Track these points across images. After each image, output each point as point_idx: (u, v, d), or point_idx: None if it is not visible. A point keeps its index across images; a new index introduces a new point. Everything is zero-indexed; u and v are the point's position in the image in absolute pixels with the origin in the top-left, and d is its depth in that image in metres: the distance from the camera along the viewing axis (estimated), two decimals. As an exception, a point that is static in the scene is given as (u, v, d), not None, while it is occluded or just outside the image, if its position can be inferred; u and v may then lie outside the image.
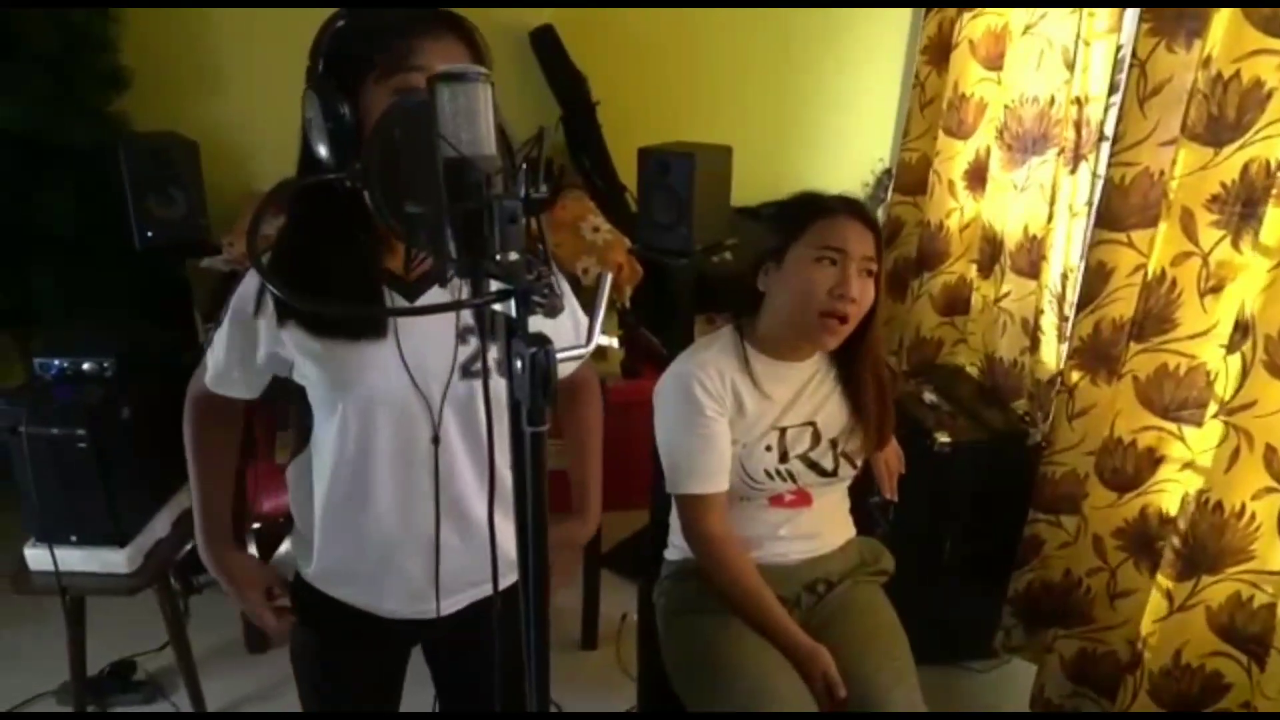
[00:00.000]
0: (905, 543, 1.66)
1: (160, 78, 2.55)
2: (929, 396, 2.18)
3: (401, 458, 1.03)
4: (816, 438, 1.44)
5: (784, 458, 1.41)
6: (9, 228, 2.33)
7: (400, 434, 1.02)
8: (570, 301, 1.16)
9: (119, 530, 1.72)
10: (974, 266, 2.31)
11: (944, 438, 2.01)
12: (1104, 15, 1.71)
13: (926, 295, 2.40)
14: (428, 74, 0.86)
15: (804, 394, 1.44)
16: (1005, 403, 2.20)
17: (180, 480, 1.91)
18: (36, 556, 1.70)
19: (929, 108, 2.35)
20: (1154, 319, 1.52)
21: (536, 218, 0.73)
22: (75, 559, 1.70)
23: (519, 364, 0.67)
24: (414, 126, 0.74)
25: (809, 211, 1.33)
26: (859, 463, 1.48)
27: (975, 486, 2.04)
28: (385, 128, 0.77)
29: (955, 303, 2.40)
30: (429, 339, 0.99)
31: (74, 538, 1.70)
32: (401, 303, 1.00)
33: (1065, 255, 1.88)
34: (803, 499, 1.45)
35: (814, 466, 1.43)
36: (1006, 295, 2.16)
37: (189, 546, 1.92)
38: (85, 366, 1.69)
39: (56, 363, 1.68)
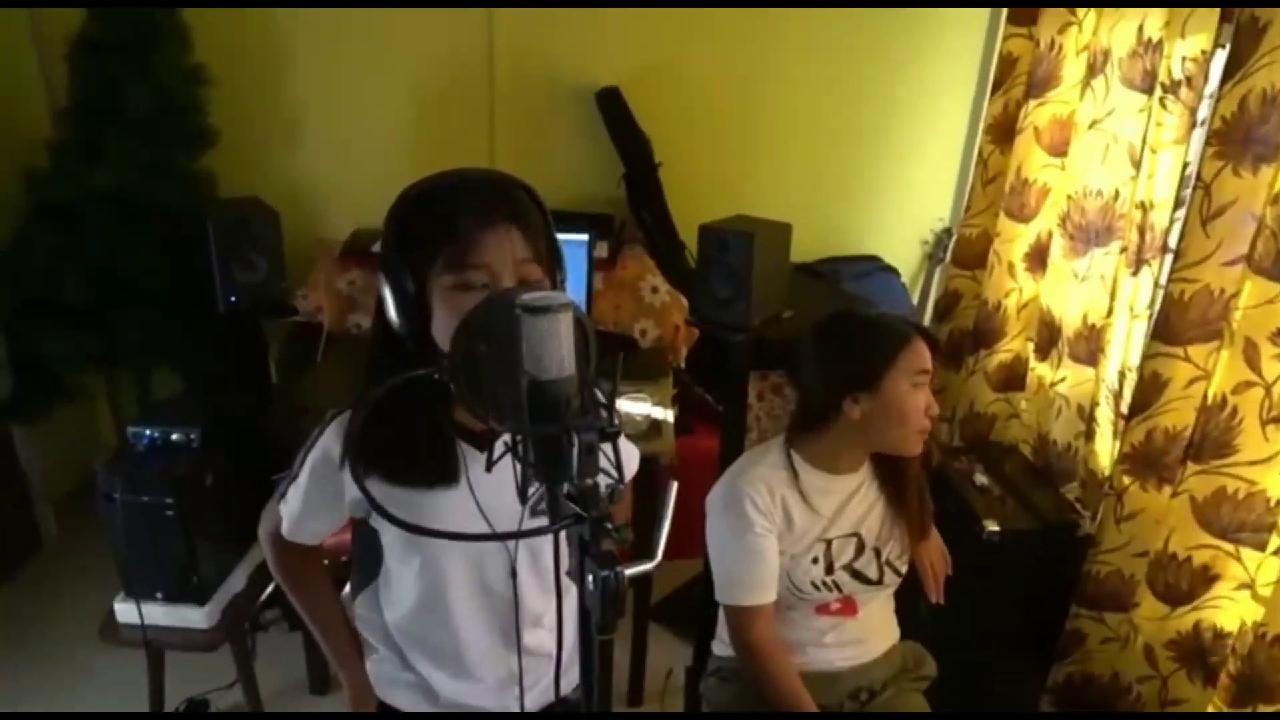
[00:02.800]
0: (948, 624, 1.68)
1: (242, 134, 2.68)
2: (980, 478, 2.19)
3: (480, 595, 1.11)
4: (861, 547, 1.47)
5: (830, 569, 1.45)
6: (103, 281, 2.48)
7: (477, 573, 1.10)
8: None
9: (200, 589, 1.83)
10: (1031, 345, 2.30)
11: (993, 526, 2.01)
12: (1171, 126, 1.70)
13: (981, 371, 2.40)
14: (486, 270, 0.96)
15: (850, 505, 1.47)
16: (1057, 485, 2.20)
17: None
18: (124, 610, 1.83)
19: (991, 185, 2.35)
20: (1213, 443, 1.52)
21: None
22: (159, 614, 1.83)
23: (590, 579, 0.73)
24: (499, 344, 0.80)
25: (895, 341, 1.37)
26: (904, 569, 1.51)
27: (1023, 575, 2.04)
28: (470, 338, 0.83)
29: (1011, 379, 2.40)
30: (500, 480, 1.02)
31: (159, 595, 1.82)
32: (473, 453, 1.07)
33: (1124, 353, 1.88)
34: (848, 607, 1.49)
35: (859, 576, 1.47)
36: (1063, 380, 2.15)
37: (264, 596, 2.05)
38: (174, 437, 1.80)
39: (147, 433, 1.80)
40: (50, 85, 2.63)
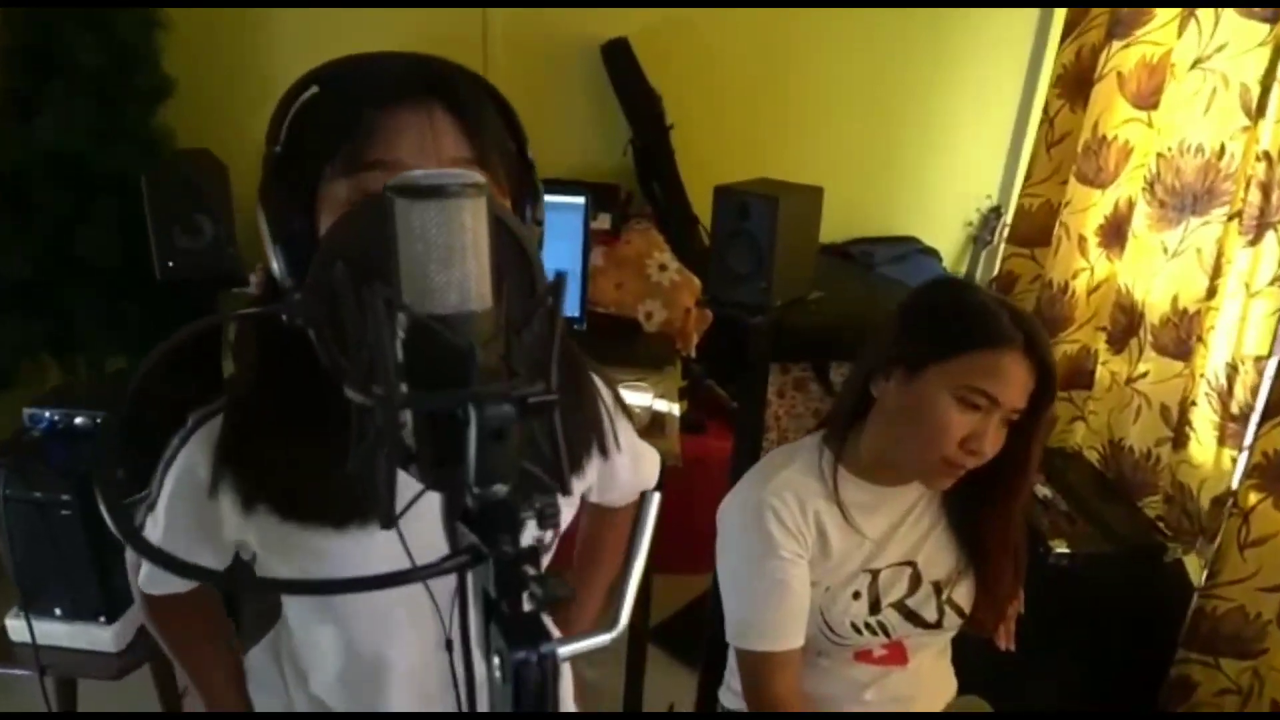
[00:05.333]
0: (1010, 666, 1.37)
1: (204, 87, 2.39)
2: (1042, 490, 1.85)
3: (416, 670, 0.80)
4: (916, 581, 1.15)
5: (875, 607, 1.12)
6: (50, 256, 2.21)
7: (414, 643, 0.79)
8: (625, 432, 0.90)
9: (109, 604, 1.53)
10: (1103, 336, 1.97)
11: (1061, 548, 1.68)
12: (1311, 53, 1.36)
13: (1042, 365, 2.06)
14: (395, 170, 0.60)
15: (902, 527, 1.15)
16: (1132, 500, 1.86)
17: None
18: (16, 628, 1.53)
19: (1058, 147, 2.01)
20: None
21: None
22: (60, 634, 1.53)
23: (498, 665, 0.41)
24: (361, 260, 0.49)
25: (977, 333, 1.01)
26: (969, 609, 1.18)
27: (1097, 606, 1.71)
28: (326, 258, 0.53)
29: (1076, 375, 2.06)
30: (435, 513, 0.63)
31: (58, 611, 1.52)
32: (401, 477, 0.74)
33: (1237, 342, 1.54)
34: (896, 655, 1.17)
35: (912, 617, 1.14)
36: (1143, 376, 1.81)
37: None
38: (78, 421, 1.50)
39: (47, 415, 1.50)
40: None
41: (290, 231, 0.64)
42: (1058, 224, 1.97)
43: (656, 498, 0.47)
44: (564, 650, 0.42)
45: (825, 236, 2.02)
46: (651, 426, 1.75)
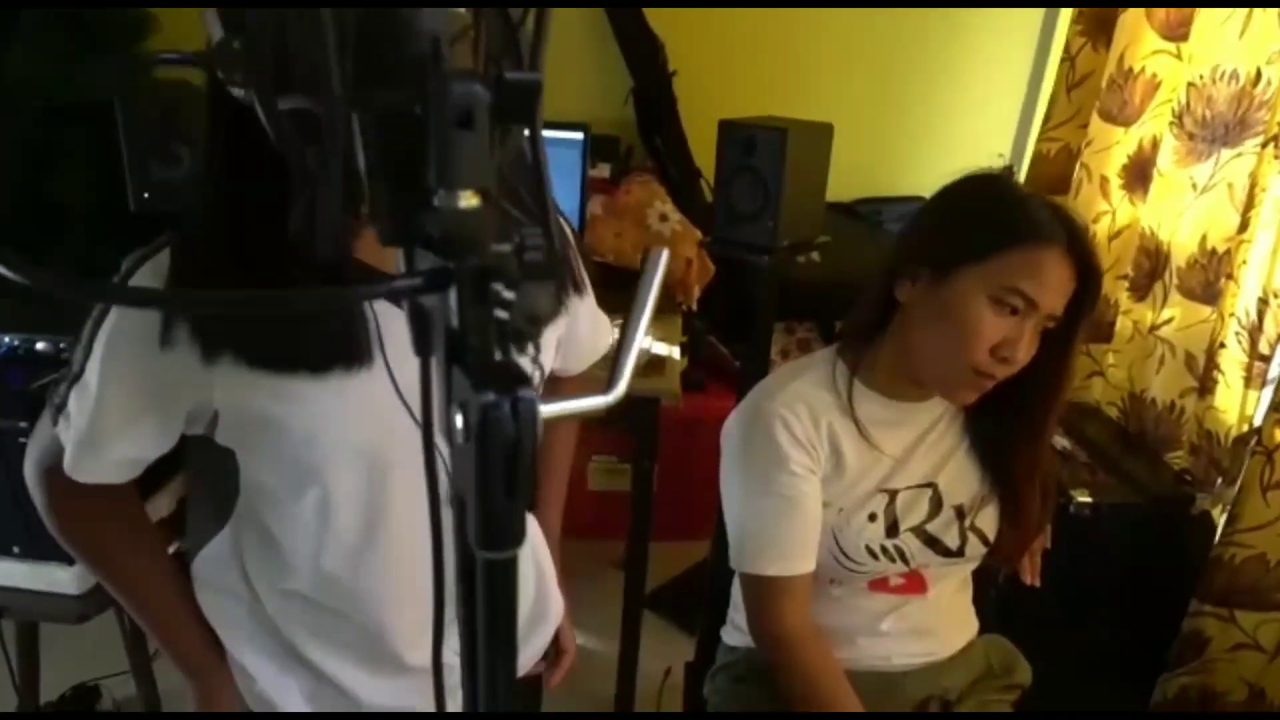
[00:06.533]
0: (1029, 620, 1.28)
1: (189, 29, 2.30)
2: (1061, 442, 1.77)
3: (413, 537, 0.71)
4: (937, 504, 1.06)
5: (893, 530, 1.04)
6: (22, 199, 2.12)
7: (413, 505, 0.69)
8: (587, 288, 0.83)
9: (70, 543, 1.44)
10: (1124, 284, 1.88)
11: (1083, 497, 1.60)
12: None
13: (1059, 317, 1.98)
14: None
15: (923, 445, 1.06)
16: (1157, 455, 1.77)
17: (151, 482, 1.65)
18: (-27, 567, 1.44)
19: (1079, 88, 1.92)
20: None
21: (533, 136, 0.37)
22: (18, 575, 1.44)
23: (460, 424, 0.32)
24: None
25: (1016, 229, 0.92)
26: (992, 537, 1.09)
27: (1121, 559, 1.62)
28: None
29: (1095, 327, 1.97)
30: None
31: (16, 549, 1.43)
32: (389, 314, 0.65)
33: (1269, 275, 1.45)
34: (914, 584, 1.08)
35: (933, 543, 1.05)
36: (1168, 323, 1.73)
37: (171, 549, 1.65)
38: (40, 346, 1.41)
39: (6, 340, 1.41)
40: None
41: (235, 27, 0.54)
42: (1078, 166, 1.89)
43: (665, 253, 0.38)
44: (549, 408, 0.32)
45: (831, 195, 1.95)
46: (650, 368, 1.66)
